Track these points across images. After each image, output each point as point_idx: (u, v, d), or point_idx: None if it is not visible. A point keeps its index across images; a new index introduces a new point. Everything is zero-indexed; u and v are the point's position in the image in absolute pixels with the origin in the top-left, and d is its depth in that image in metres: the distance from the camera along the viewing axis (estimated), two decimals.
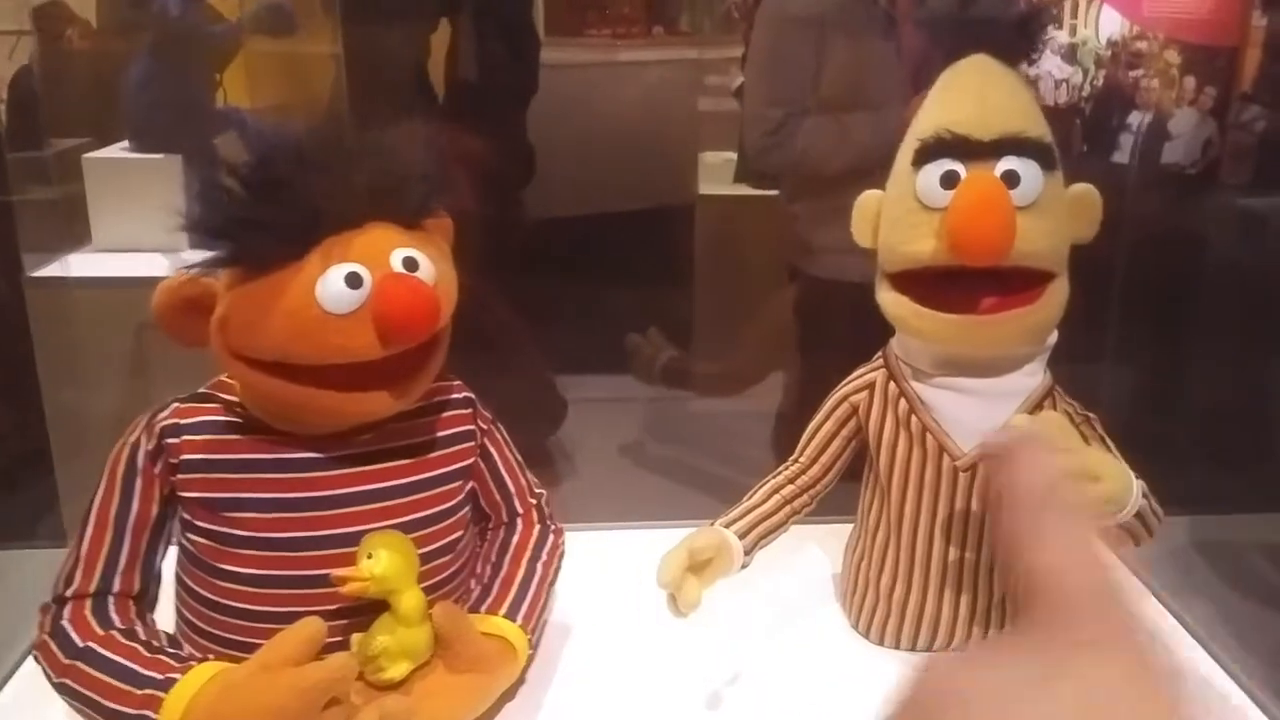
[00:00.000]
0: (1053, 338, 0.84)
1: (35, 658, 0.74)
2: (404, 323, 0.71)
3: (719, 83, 2.24)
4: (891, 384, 0.86)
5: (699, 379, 1.23)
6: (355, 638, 0.76)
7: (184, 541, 0.78)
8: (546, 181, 1.82)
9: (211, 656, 0.75)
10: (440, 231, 0.79)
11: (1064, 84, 1.98)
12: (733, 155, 1.96)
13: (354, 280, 0.70)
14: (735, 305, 1.43)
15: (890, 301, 0.82)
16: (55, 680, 0.72)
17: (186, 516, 0.77)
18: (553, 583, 0.87)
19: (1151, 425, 1.46)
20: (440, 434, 0.82)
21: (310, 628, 0.71)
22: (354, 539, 0.75)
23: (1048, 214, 0.77)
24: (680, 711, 0.82)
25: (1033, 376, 0.84)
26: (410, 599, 0.75)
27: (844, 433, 0.89)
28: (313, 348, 0.70)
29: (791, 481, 0.90)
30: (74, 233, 1.78)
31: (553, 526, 0.90)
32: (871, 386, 0.88)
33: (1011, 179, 0.75)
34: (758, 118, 1.55)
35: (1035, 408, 0.83)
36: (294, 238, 0.70)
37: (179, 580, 0.79)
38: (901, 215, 0.80)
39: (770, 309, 1.20)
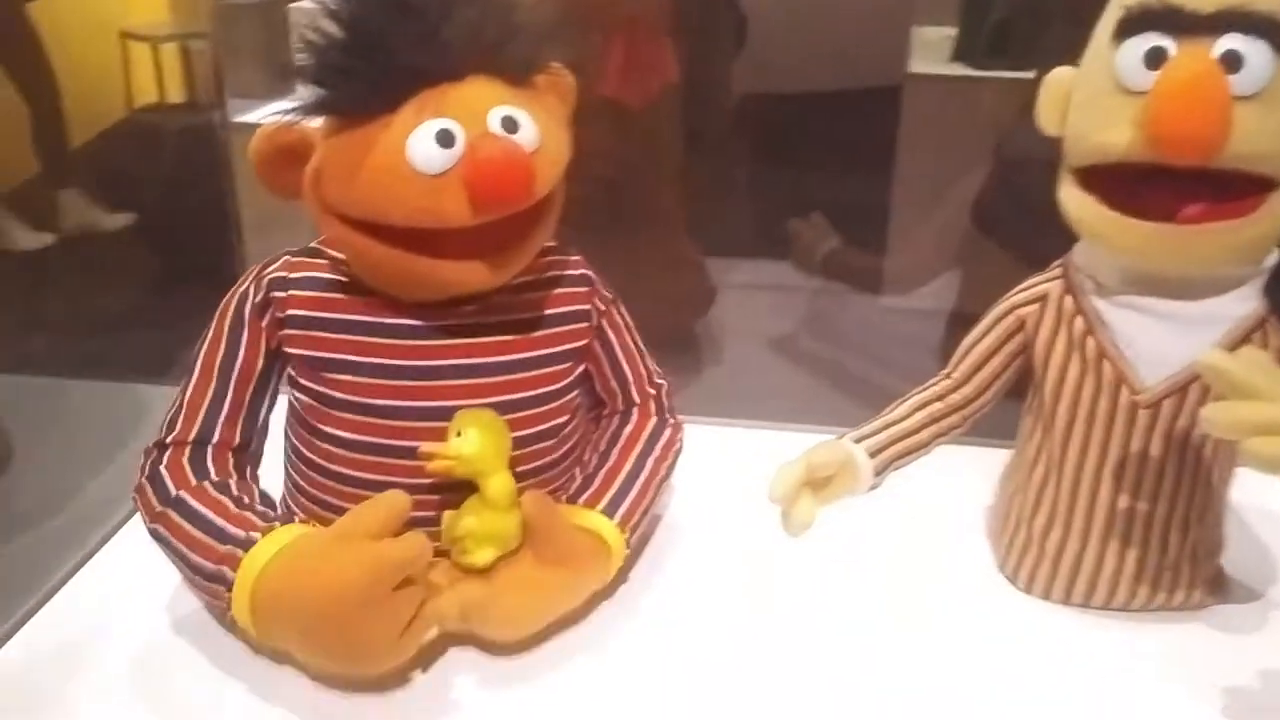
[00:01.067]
0: (1273, 258, 0.70)
1: (134, 500, 0.74)
2: (494, 188, 0.64)
3: None
4: (1068, 298, 0.74)
5: (865, 273, 1.12)
6: (446, 516, 0.73)
7: (290, 399, 0.76)
8: (748, 53, 1.70)
9: (310, 520, 0.74)
10: (556, 90, 0.72)
11: None
12: (952, 30, 1.77)
13: (446, 138, 0.64)
14: (934, 199, 1.29)
15: (1074, 201, 0.70)
16: (149, 525, 0.72)
17: (292, 373, 0.75)
18: (664, 479, 0.81)
19: None
20: (550, 311, 0.76)
21: (394, 501, 0.68)
22: (450, 413, 0.71)
23: (1276, 107, 0.62)
24: (789, 638, 0.75)
25: (1243, 302, 0.70)
26: (498, 482, 0.70)
27: (1008, 349, 0.78)
28: (400, 208, 0.65)
29: (941, 399, 0.80)
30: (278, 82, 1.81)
31: (671, 420, 0.83)
32: (1044, 299, 0.76)
33: (1233, 61, 0.61)
34: None
35: (1241, 341, 0.69)
36: (385, 87, 0.65)
37: (286, 437, 0.78)
38: (1095, 98, 0.66)
39: (953, 202, 1.07)
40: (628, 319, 0.82)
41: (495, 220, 0.67)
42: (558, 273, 0.78)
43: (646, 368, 0.83)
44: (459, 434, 0.70)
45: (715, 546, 0.84)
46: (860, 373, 1.10)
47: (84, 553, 0.83)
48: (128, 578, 0.80)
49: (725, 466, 0.91)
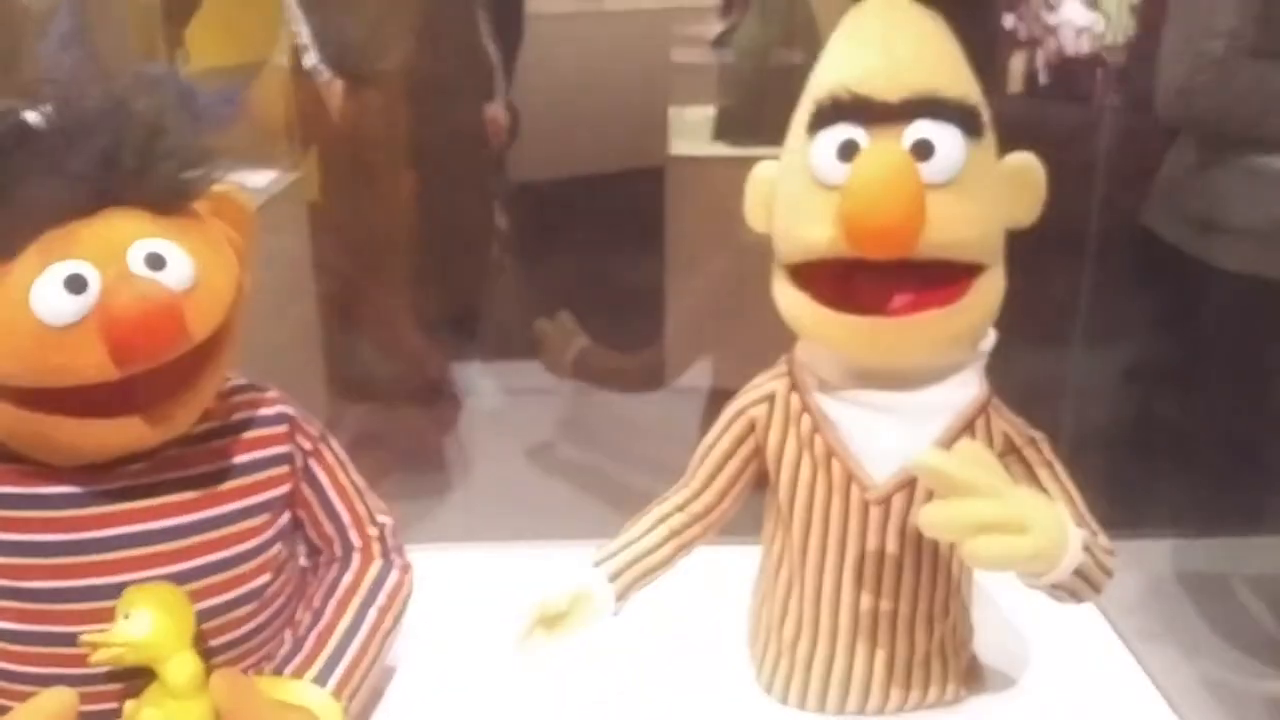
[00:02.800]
0: (988, 341, 0.69)
1: None
2: (134, 338, 0.56)
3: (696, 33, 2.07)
4: (794, 396, 0.71)
5: (618, 372, 1.08)
6: (128, 708, 0.63)
7: None
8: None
9: None
10: (225, 214, 0.65)
11: (1085, 33, 1.81)
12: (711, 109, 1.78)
13: (76, 283, 0.56)
14: (702, 278, 1.25)
15: (786, 298, 0.67)
16: None
17: None
18: (392, 630, 0.73)
19: (1128, 437, 1.29)
20: (241, 459, 0.68)
21: (57, 701, 0.59)
22: (120, 590, 0.62)
23: (972, 192, 0.61)
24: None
25: (963, 389, 0.68)
26: (179, 666, 0.61)
27: (742, 452, 0.74)
28: (27, 367, 0.56)
29: (681, 509, 0.75)
30: None
31: (398, 561, 0.76)
32: (772, 399, 0.73)
33: (923, 149, 0.60)
34: (1187, 50, 1.19)
35: (964, 430, 0.68)
36: (1, 231, 0.56)
37: None
38: (796, 194, 0.64)
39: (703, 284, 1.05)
40: (340, 454, 0.75)
41: (149, 369, 0.58)
42: (248, 414, 0.69)
43: (366, 506, 0.75)
44: (126, 616, 0.61)
45: (463, 686, 0.77)
46: (620, 475, 1.05)
47: None
48: None
49: (477, 593, 0.84)
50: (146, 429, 0.60)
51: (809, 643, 0.73)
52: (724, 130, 1.84)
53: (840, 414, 0.69)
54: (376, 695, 0.74)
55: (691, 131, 1.87)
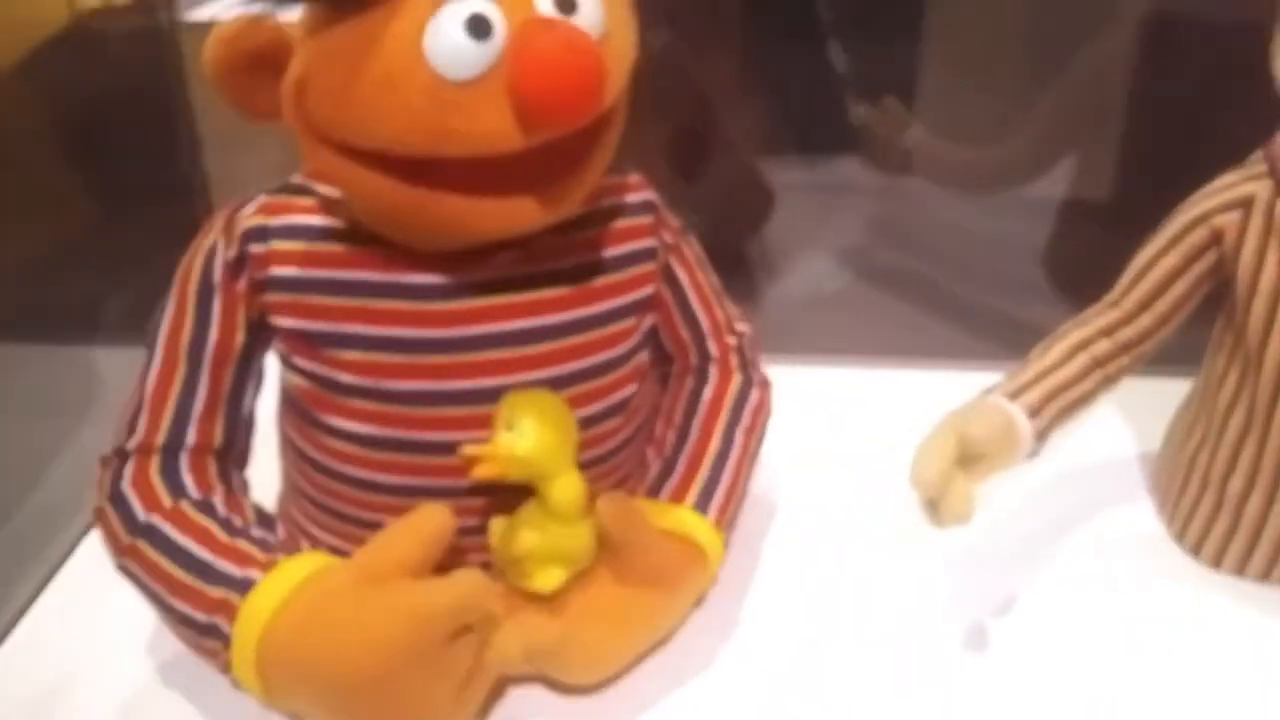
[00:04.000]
0: None
1: (96, 523, 0.57)
2: (552, 96, 0.46)
3: None
4: None
5: (957, 167, 0.93)
6: (495, 525, 0.56)
7: (282, 382, 0.59)
8: None
9: (318, 544, 0.58)
10: None
11: None
12: None
13: (479, 26, 0.45)
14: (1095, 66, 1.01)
15: None
16: (116, 560, 0.56)
17: (282, 350, 0.57)
18: (755, 456, 0.65)
19: None
20: (609, 253, 0.59)
21: (432, 521, 0.52)
22: (494, 395, 0.54)
23: None
24: (923, 645, 0.60)
25: None
26: (565, 487, 0.54)
27: (1195, 270, 0.61)
28: (420, 132, 0.47)
29: (1107, 334, 0.63)
30: None
31: (757, 376, 0.66)
32: (1248, 204, 0.58)
33: None
34: None
35: None
36: None
37: (280, 429, 0.61)
38: None
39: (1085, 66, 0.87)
40: (699, 252, 0.65)
41: (548, 141, 0.48)
42: (614, 200, 0.60)
43: (725, 312, 0.66)
44: (510, 426, 0.53)
45: (811, 524, 0.68)
46: (958, 291, 0.92)
47: (47, 568, 0.67)
48: (91, 611, 0.64)
49: (808, 419, 0.74)
50: (538, 210, 0.51)
51: (1264, 499, 0.61)
52: None
53: None
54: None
55: None
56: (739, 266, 0.69)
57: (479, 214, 0.50)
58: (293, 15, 0.50)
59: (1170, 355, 0.65)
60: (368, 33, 0.46)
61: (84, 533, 0.69)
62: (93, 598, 0.64)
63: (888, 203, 1.00)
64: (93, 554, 0.60)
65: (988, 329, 0.83)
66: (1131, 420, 0.76)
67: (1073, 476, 0.71)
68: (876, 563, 0.66)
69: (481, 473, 0.53)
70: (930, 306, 0.93)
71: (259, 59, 0.49)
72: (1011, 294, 0.92)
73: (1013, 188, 0.95)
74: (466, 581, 0.49)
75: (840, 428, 0.77)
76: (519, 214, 0.51)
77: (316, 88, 0.48)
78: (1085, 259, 0.83)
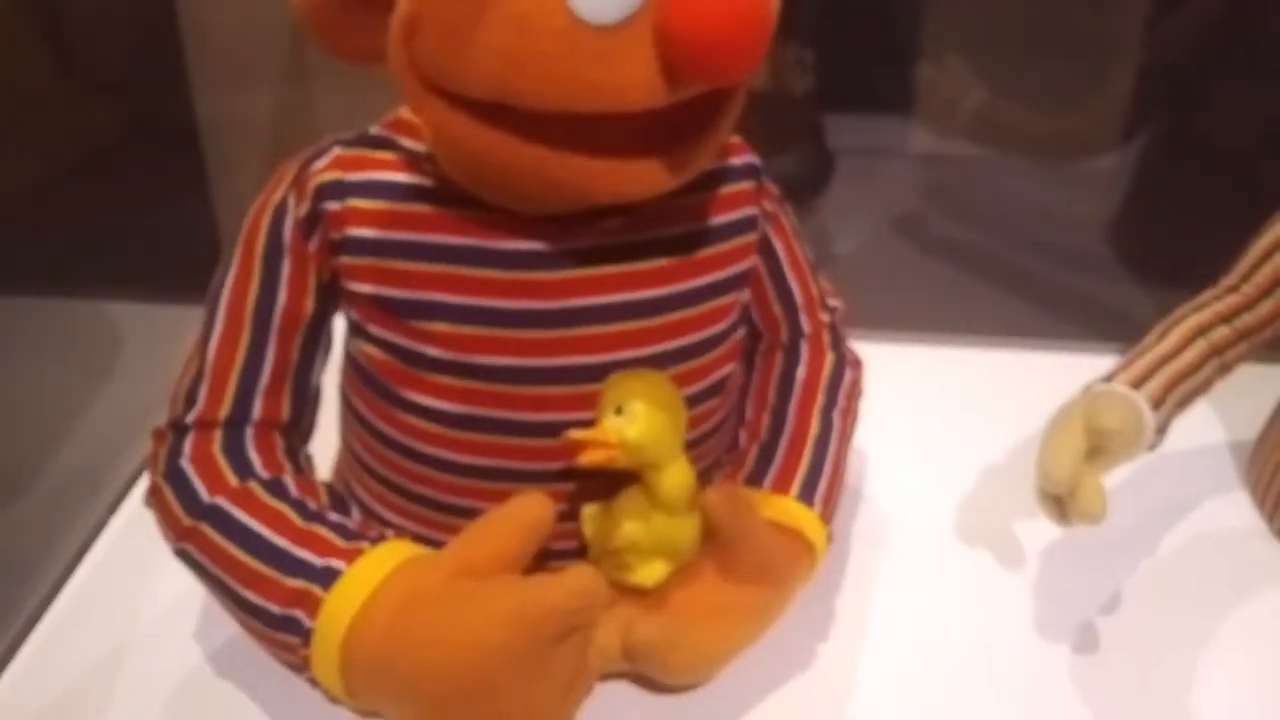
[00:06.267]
0: None
1: (149, 505, 0.52)
2: (716, 43, 0.41)
3: None
4: None
5: (1024, 134, 0.89)
6: (588, 512, 0.52)
7: (352, 352, 0.54)
8: None
9: (392, 520, 0.53)
10: None
11: None
12: None
13: None
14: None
15: None
16: (174, 546, 0.51)
17: (355, 318, 0.52)
18: (851, 440, 0.61)
19: None
20: (715, 220, 0.54)
21: (533, 509, 0.48)
22: (593, 373, 0.50)
23: None
24: (1028, 642, 0.57)
25: None
26: (675, 475, 0.50)
27: None
28: (553, 83, 0.42)
29: (1226, 321, 0.60)
30: None
31: (849, 355, 0.62)
32: None
33: None
34: None
35: None
36: None
37: (346, 403, 0.56)
38: None
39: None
40: (795, 223, 0.61)
41: (684, 100, 0.44)
42: (718, 165, 0.55)
43: (819, 287, 0.62)
44: (619, 410, 0.49)
45: (907, 514, 0.65)
46: (1022, 266, 0.88)
47: (84, 536, 0.62)
48: (126, 592, 0.59)
49: (886, 397, 0.71)
50: (665, 174, 0.46)
51: None
52: None
53: None
54: None
55: None
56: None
57: (602, 176, 0.45)
58: None
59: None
60: None
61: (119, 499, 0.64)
62: (130, 575, 0.59)
63: (946, 170, 0.96)
64: (129, 521, 0.55)
65: (1049, 305, 0.79)
66: (1223, 409, 0.73)
67: (1165, 468, 0.68)
68: (971, 555, 0.62)
69: (587, 459, 0.48)
70: (988, 280, 0.90)
71: None
72: (1075, 269, 0.88)
73: (1079, 158, 0.91)
74: (578, 579, 0.45)
75: (912, 410, 0.73)
76: (644, 178, 0.46)
77: (431, 27, 0.43)
78: (1153, 234, 0.79)
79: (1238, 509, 0.65)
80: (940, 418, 0.72)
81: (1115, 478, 0.66)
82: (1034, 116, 0.90)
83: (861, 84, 0.94)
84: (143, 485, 0.53)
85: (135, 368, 0.83)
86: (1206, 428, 0.71)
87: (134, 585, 0.59)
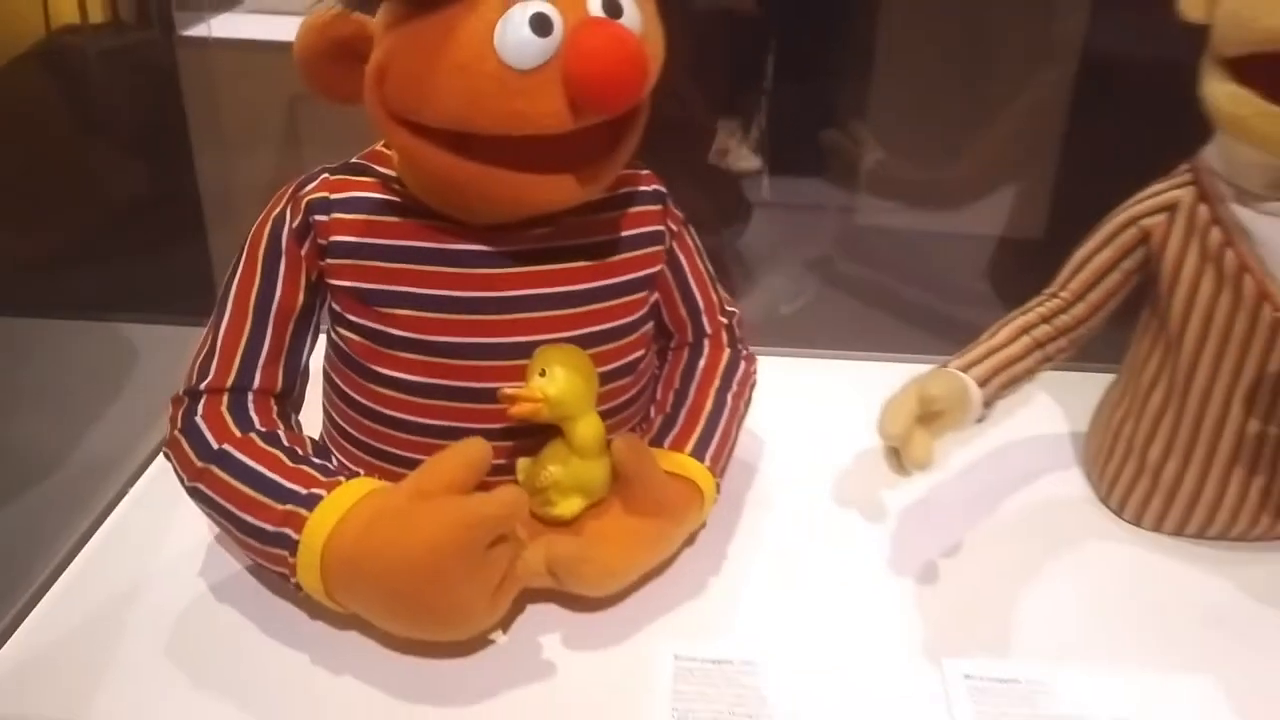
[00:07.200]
0: None
1: (166, 455, 0.65)
2: (603, 84, 0.55)
3: None
4: (1202, 207, 0.67)
5: (912, 186, 1.04)
6: (521, 463, 0.65)
7: (334, 336, 0.67)
8: None
9: (362, 470, 0.66)
10: None
11: None
12: None
13: (542, 25, 0.55)
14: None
15: (1226, 96, 0.63)
16: (188, 484, 0.63)
17: (336, 308, 0.66)
18: (743, 418, 0.74)
19: None
20: (625, 233, 0.68)
21: (474, 449, 0.60)
22: (525, 349, 0.63)
23: None
24: (881, 581, 0.69)
25: None
26: (588, 426, 0.63)
27: (1126, 264, 0.71)
28: (487, 112, 0.56)
29: (1047, 321, 0.73)
30: None
31: (744, 351, 0.76)
32: (1173, 209, 0.69)
33: None
34: None
35: None
36: None
37: (328, 379, 0.69)
38: None
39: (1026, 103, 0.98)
40: (698, 241, 0.74)
41: (588, 126, 0.58)
42: (630, 189, 0.69)
43: (718, 295, 0.75)
44: (543, 373, 0.62)
45: (790, 485, 0.78)
46: (909, 296, 1.03)
47: (90, 520, 0.74)
48: (146, 544, 0.71)
49: (782, 398, 0.84)
50: (576, 187, 0.60)
51: (1179, 463, 0.71)
52: None
53: (1260, 227, 0.65)
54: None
55: None
56: (722, 271, 0.79)
57: (528, 188, 0.59)
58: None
59: (1096, 353, 0.76)
60: (444, 27, 0.55)
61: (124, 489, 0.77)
62: (145, 538, 0.71)
63: (851, 218, 1.11)
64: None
65: (936, 327, 0.93)
66: (1064, 406, 0.86)
67: (1014, 450, 0.81)
68: (840, 514, 0.75)
69: (516, 411, 0.61)
70: (886, 308, 1.04)
71: (344, 47, 0.58)
72: (949, 299, 1.02)
73: (959, 206, 1.06)
74: (506, 494, 0.58)
75: (808, 408, 0.86)
76: (561, 189, 0.60)
77: (396, 73, 0.57)
78: (1023, 270, 0.92)
79: (1071, 482, 0.78)
80: (830, 413, 0.85)
81: (969, 456, 0.79)
82: (920, 170, 1.06)
83: (788, 152, 1.10)
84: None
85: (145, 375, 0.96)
86: (1051, 420, 0.84)
87: (151, 541, 0.71)
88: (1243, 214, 0.65)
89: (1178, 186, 0.69)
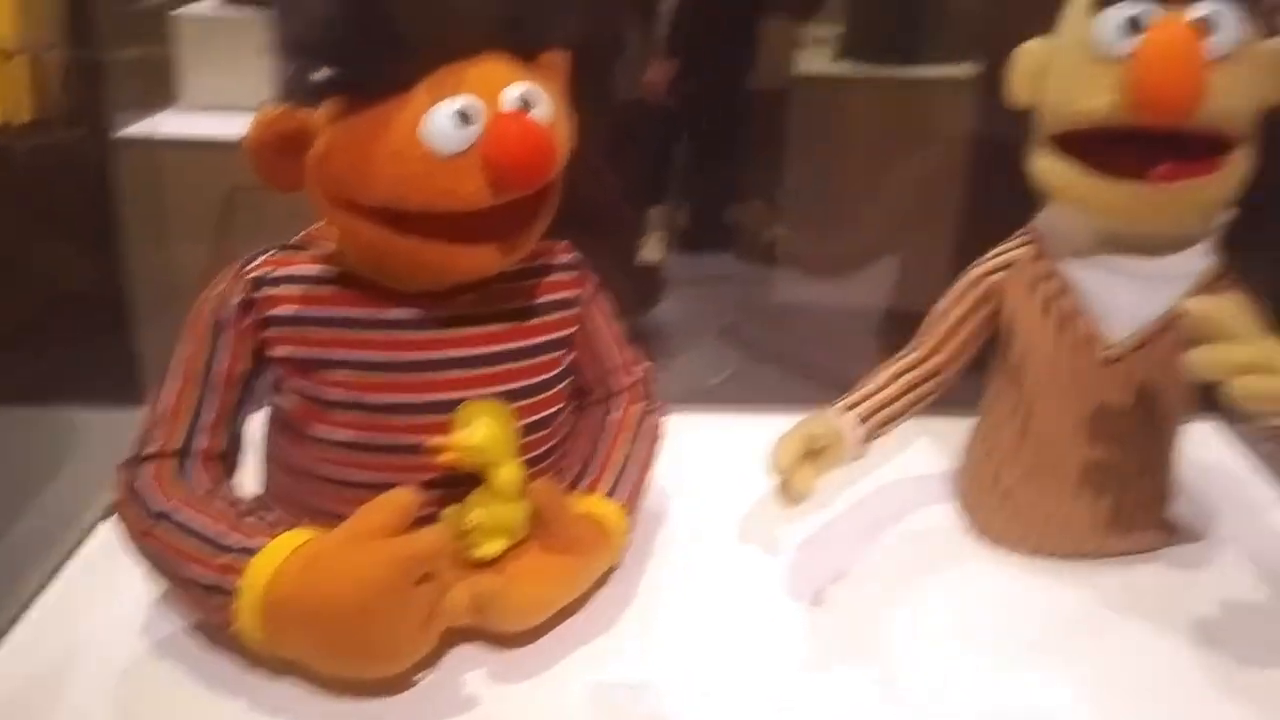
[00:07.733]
0: (1226, 215, 0.75)
1: (117, 516, 0.70)
2: (516, 166, 0.64)
3: None
4: (1040, 263, 0.78)
5: (806, 260, 1.14)
6: (447, 510, 0.72)
7: (273, 404, 0.73)
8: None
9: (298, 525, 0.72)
10: (556, 69, 0.72)
11: None
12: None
13: (464, 117, 0.63)
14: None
15: (1050, 167, 0.73)
16: (135, 543, 0.69)
17: (276, 377, 0.72)
18: (652, 463, 0.81)
19: None
20: (543, 299, 0.76)
21: (403, 497, 0.67)
22: (452, 406, 0.70)
23: (1242, 69, 0.67)
24: (779, 608, 0.76)
25: (1200, 258, 0.75)
26: (508, 472, 0.70)
27: (978, 316, 0.81)
28: (418, 192, 0.64)
29: (916, 366, 0.83)
30: (161, 91, 1.74)
31: (654, 404, 0.84)
32: (1013, 265, 0.79)
33: (1206, 26, 0.66)
34: None
35: (1204, 293, 0.74)
36: (403, 66, 0.63)
37: (266, 446, 0.75)
38: (1075, 66, 0.70)
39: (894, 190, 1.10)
40: (609, 306, 0.83)
41: (507, 202, 0.66)
42: (547, 259, 0.77)
43: (627, 355, 0.83)
44: (466, 425, 0.69)
45: (697, 527, 0.85)
46: (807, 357, 1.12)
47: (27, 593, 0.78)
48: (86, 607, 0.76)
49: (691, 450, 0.91)
50: (498, 256, 0.68)
51: (1035, 490, 0.80)
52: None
53: (1086, 278, 0.75)
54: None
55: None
56: (638, 339, 0.87)
57: (455, 257, 0.67)
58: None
59: (967, 399, 0.85)
60: (379, 120, 0.63)
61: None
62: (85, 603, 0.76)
63: (757, 288, 1.21)
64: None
65: (834, 383, 0.99)
66: (939, 448, 0.94)
67: (896, 488, 0.90)
68: (742, 548, 0.83)
69: (443, 459, 0.68)
70: (789, 368, 1.14)
71: (290, 139, 0.66)
72: (840, 357, 1.11)
73: (856, 273, 1.16)
74: (430, 533, 0.64)
75: (714, 457, 0.94)
76: (485, 258, 0.68)
77: (335, 159, 0.65)
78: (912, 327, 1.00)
79: (945, 515, 0.87)
80: (731, 461, 0.93)
81: (857, 494, 0.87)
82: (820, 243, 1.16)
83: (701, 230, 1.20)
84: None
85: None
86: (927, 461, 0.93)
87: (90, 605, 0.76)
88: (1072, 266, 0.76)
89: (1018, 247, 0.79)
